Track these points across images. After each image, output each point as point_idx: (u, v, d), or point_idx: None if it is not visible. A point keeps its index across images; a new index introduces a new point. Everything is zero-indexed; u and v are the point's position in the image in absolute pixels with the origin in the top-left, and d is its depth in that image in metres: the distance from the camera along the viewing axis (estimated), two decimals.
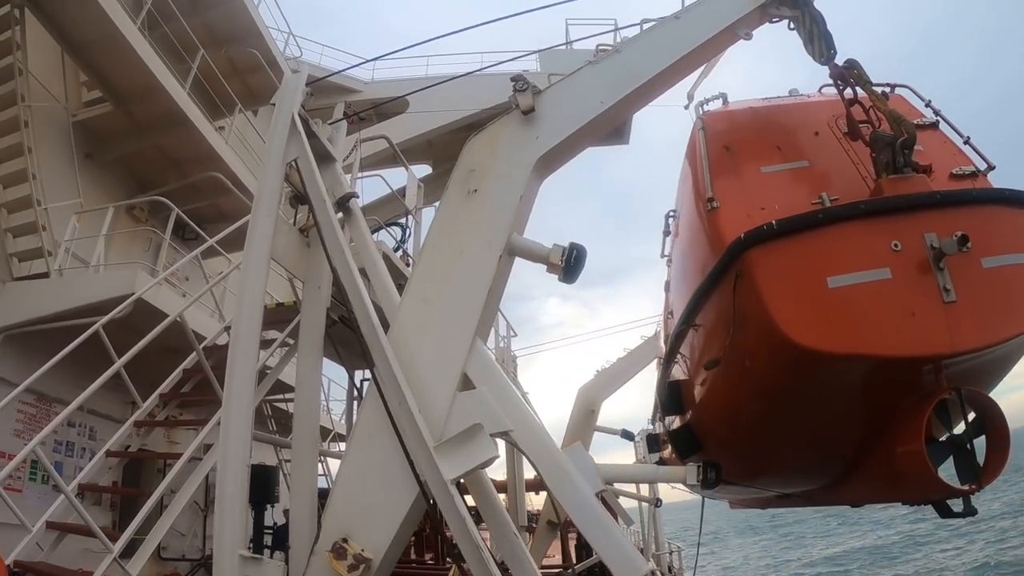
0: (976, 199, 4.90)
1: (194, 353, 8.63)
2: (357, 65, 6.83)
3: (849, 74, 5.52)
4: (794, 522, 79.91)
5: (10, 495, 6.72)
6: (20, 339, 10.35)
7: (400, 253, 7.22)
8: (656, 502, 15.89)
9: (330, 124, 5.91)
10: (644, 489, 17.62)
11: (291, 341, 8.81)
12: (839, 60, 5.55)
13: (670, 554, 17.70)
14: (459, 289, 4.62)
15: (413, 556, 23.34)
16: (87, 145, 12.99)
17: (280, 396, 11.71)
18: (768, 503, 9.30)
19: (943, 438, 4.72)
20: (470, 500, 4.50)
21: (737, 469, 6.34)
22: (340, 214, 5.21)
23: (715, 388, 6.05)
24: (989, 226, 4.66)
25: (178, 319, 8.28)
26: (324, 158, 5.56)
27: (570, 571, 14.14)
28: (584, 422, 14.62)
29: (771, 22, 5.69)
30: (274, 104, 5.59)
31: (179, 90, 12.33)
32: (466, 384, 4.49)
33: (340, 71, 6.75)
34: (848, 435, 5.04)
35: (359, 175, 8.18)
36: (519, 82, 4.94)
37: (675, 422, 7.26)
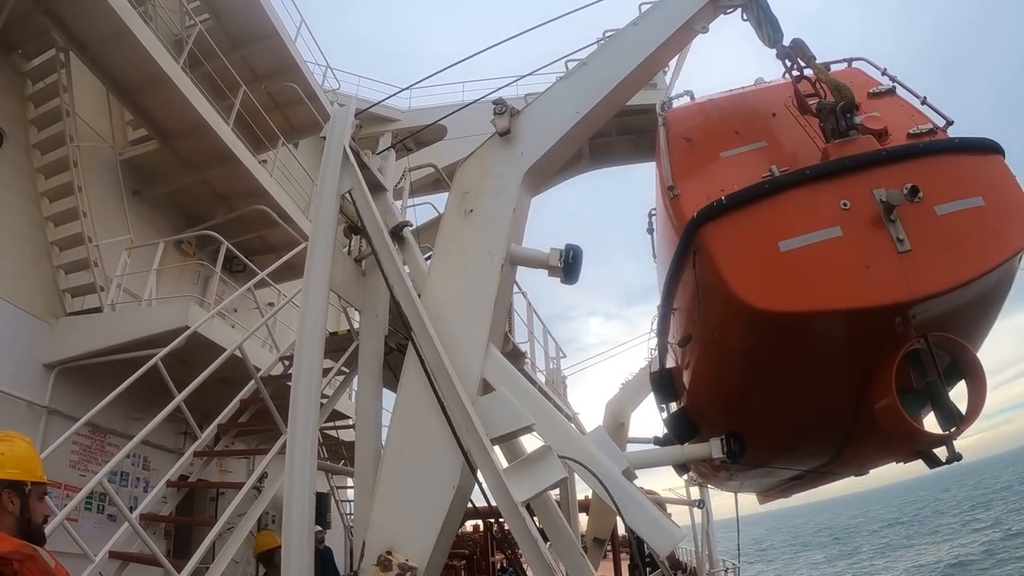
0: (924, 151, 5.02)
1: (251, 384, 8.74)
2: (395, 94, 6.94)
3: (795, 53, 5.76)
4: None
5: (69, 525, 6.85)
6: (74, 373, 10.58)
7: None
8: (698, 503, 15.70)
9: (379, 154, 5.98)
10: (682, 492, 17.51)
11: (346, 370, 8.92)
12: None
13: (725, 572, 17.46)
14: (468, 302, 4.78)
15: None
16: (135, 182, 13.28)
17: (331, 424, 11.80)
18: (788, 488, 9.30)
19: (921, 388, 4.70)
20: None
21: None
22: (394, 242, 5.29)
23: (697, 367, 6.23)
24: (939, 175, 4.78)
25: (238, 353, 8.39)
26: (376, 188, 5.66)
27: None
28: (616, 435, 14.53)
29: (725, 13, 5.92)
30: (323, 137, 5.69)
31: (223, 126, 12.59)
32: (486, 388, 4.63)
33: (380, 101, 6.88)
34: (834, 398, 5.01)
35: (409, 202, 8.27)
36: (498, 106, 5.16)
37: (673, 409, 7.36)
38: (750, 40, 6.05)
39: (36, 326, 10.60)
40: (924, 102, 5.84)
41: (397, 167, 6.24)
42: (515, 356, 10.85)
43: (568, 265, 4.93)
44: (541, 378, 13.75)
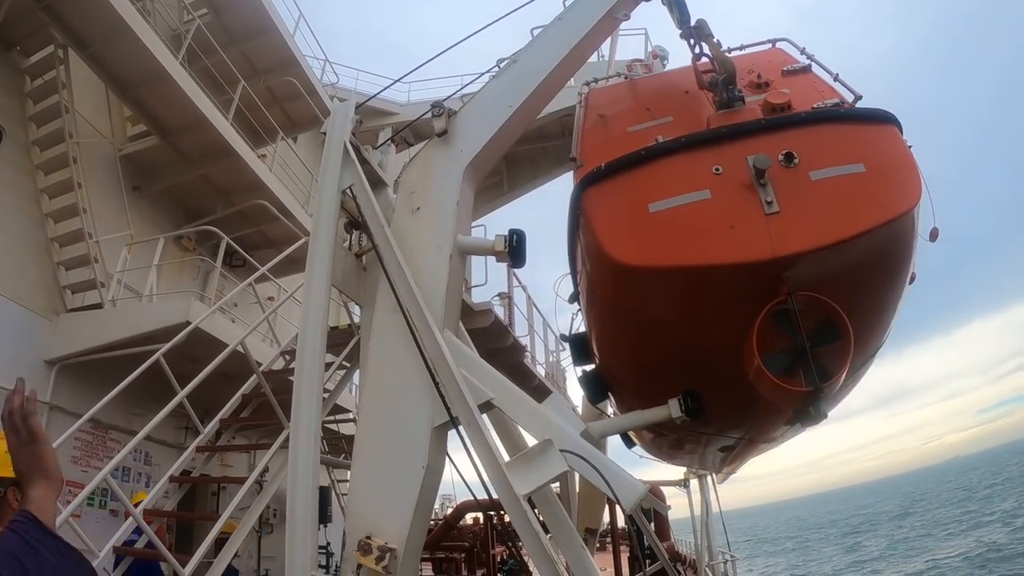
0: (806, 120, 5.16)
1: (252, 378, 8.77)
2: (389, 86, 6.90)
3: (697, 33, 5.90)
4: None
5: (72, 521, 6.88)
6: (75, 369, 10.63)
7: None
8: (682, 483, 15.71)
9: (378, 148, 6.00)
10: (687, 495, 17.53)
11: (347, 364, 8.95)
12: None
13: (724, 563, 17.51)
14: (421, 292, 4.88)
15: (464, 572, 23.47)
16: (134, 178, 13.31)
17: (332, 418, 11.84)
18: (730, 461, 9.59)
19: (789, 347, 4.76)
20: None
21: (629, 406, 6.50)
22: None
23: (595, 327, 6.40)
24: (819, 143, 4.90)
25: (240, 348, 8.42)
26: (376, 183, 5.68)
27: None
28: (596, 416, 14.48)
29: (645, 0, 6.17)
30: (323, 133, 5.70)
31: (223, 121, 12.61)
32: None
33: (376, 94, 6.86)
34: (719, 357, 5.04)
35: None
36: (436, 108, 5.38)
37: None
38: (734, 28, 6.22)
39: (37, 323, 10.63)
40: (836, 79, 6.06)
41: (397, 161, 6.27)
42: (515, 350, 10.88)
43: (513, 249, 5.15)
44: (541, 371, 13.78)
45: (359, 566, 4.35)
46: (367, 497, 4.63)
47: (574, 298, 7.08)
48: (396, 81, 7.29)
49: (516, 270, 11.60)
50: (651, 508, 15.68)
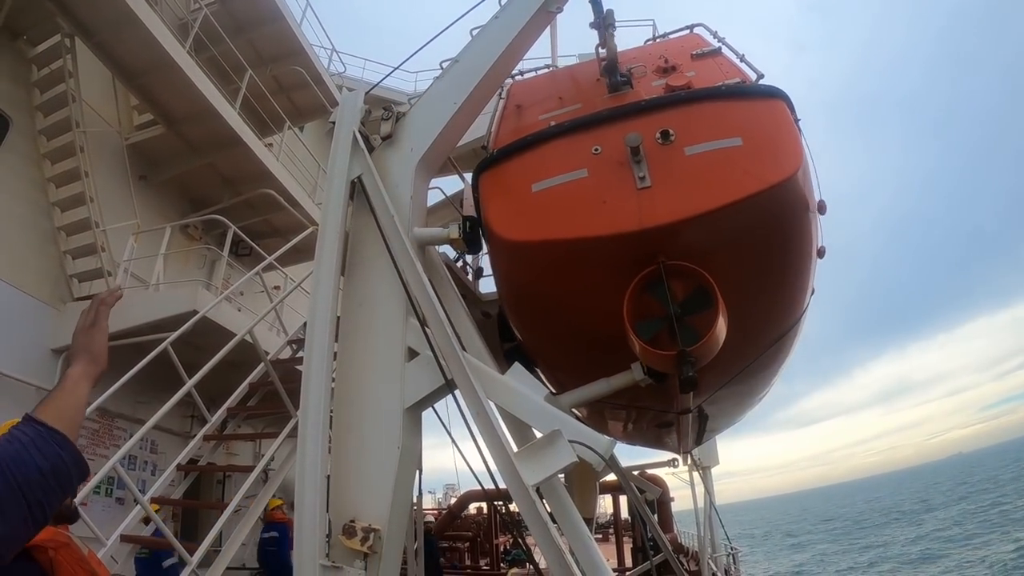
0: (686, 99, 5.31)
1: (260, 367, 8.80)
2: (391, 72, 6.90)
3: (602, 23, 6.07)
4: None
5: (80, 509, 6.92)
6: None
7: (460, 263, 7.34)
8: (672, 462, 15.70)
9: (384, 139, 6.01)
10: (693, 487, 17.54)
11: None
12: None
13: (727, 556, 17.55)
14: (382, 284, 5.07)
15: (468, 561, 23.64)
16: (141, 167, 13.35)
17: None
18: (659, 435, 9.61)
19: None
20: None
21: (558, 380, 6.61)
22: None
23: (504, 305, 6.58)
24: (697, 120, 5.05)
25: (247, 337, 8.45)
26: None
27: None
28: None
29: None
30: (332, 123, 5.71)
31: (230, 110, 12.61)
32: (411, 355, 4.90)
33: (377, 83, 6.87)
34: (611, 332, 5.01)
35: None
36: (386, 112, 5.60)
37: None
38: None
39: (43, 311, 10.68)
40: (742, 59, 6.24)
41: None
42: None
43: (467, 235, 5.31)
44: None
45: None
46: (347, 482, 4.69)
47: (479, 273, 7.63)
48: (396, 68, 7.30)
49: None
50: (654, 500, 15.74)
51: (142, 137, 13.20)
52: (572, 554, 4.34)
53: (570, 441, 4.21)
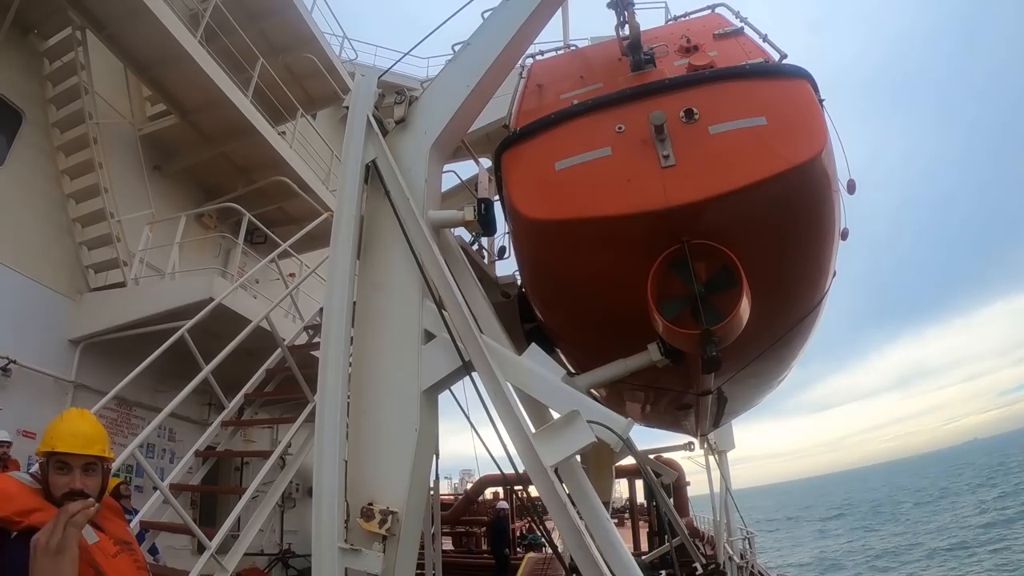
0: (710, 78, 5.29)
1: (277, 352, 8.83)
2: (401, 58, 6.89)
3: (621, 2, 6.12)
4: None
5: None
6: (99, 347, 10.75)
7: (476, 246, 7.33)
8: (688, 446, 15.69)
9: (398, 123, 6.00)
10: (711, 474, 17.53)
11: None
12: None
13: (743, 540, 17.54)
14: (398, 267, 5.08)
15: (485, 546, 23.74)
16: (155, 157, 13.40)
17: None
18: (677, 416, 9.57)
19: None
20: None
21: (579, 360, 6.65)
22: None
23: (526, 284, 6.61)
24: (722, 99, 5.03)
25: (266, 322, 8.47)
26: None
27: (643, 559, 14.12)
28: None
29: None
30: (346, 107, 5.71)
31: (243, 99, 12.61)
32: (428, 337, 4.91)
33: (388, 68, 6.84)
34: (634, 310, 5.02)
35: None
36: (398, 96, 5.56)
37: None
38: None
39: (61, 303, 10.76)
40: (765, 39, 6.18)
41: None
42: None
43: (483, 217, 5.31)
44: None
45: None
46: (365, 466, 4.72)
47: (501, 253, 7.55)
48: (408, 52, 7.27)
49: None
50: (670, 484, 15.73)
51: (155, 128, 13.23)
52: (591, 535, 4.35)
53: (588, 421, 4.22)
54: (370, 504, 4.50)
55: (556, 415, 4.55)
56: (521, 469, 4.33)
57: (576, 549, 4.08)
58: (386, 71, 6.43)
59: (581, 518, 4.40)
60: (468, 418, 5.07)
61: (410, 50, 7.33)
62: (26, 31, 11.14)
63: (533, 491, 4.66)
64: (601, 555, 4.20)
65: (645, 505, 21.16)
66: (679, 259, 4.68)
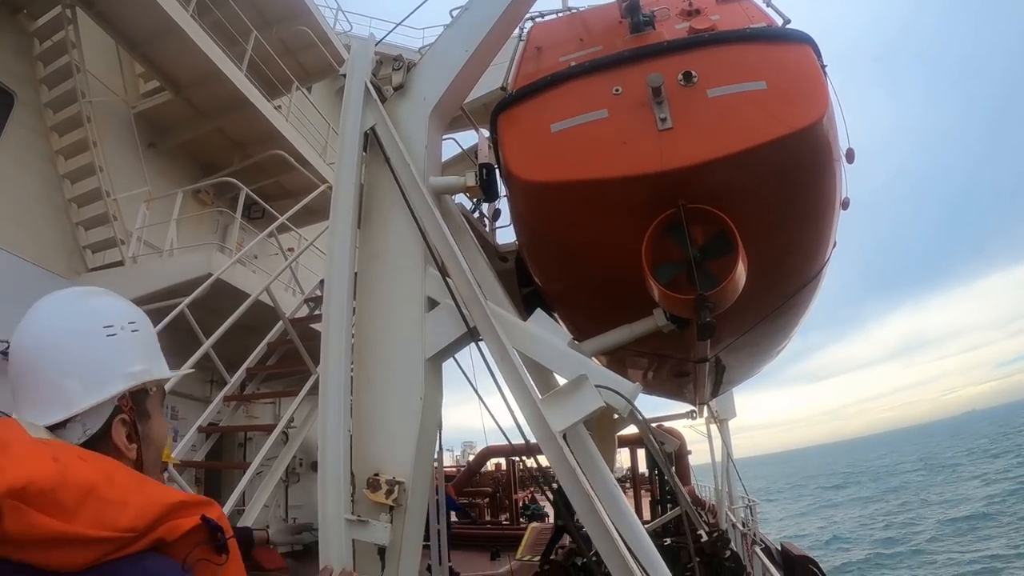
0: (710, 41, 5.24)
1: (278, 325, 8.80)
2: (395, 28, 6.83)
3: None
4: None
5: None
6: None
7: (476, 214, 7.28)
8: (691, 414, 15.73)
9: (396, 89, 5.93)
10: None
11: None
12: None
13: (745, 508, 17.61)
14: (399, 235, 5.03)
15: (488, 517, 23.91)
16: (149, 135, 13.28)
17: None
18: (677, 385, 9.68)
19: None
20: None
21: (577, 325, 6.58)
22: None
23: (523, 248, 6.57)
24: (721, 62, 4.99)
25: (266, 296, 8.42)
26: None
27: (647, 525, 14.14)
28: None
29: None
30: (343, 75, 5.62)
31: (237, 73, 12.48)
32: (431, 305, 4.86)
33: (387, 35, 6.72)
34: (629, 275, 4.99)
35: None
36: (396, 62, 5.48)
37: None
38: None
39: (59, 284, 10.63)
40: (768, 4, 6.14)
41: None
42: None
43: (484, 182, 5.23)
44: None
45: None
46: (370, 436, 4.69)
47: (496, 216, 7.66)
48: (405, 19, 7.18)
49: None
50: (672, 453, 15.77)
51: (149, 104, 13.10)
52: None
53: (596, 386, 4.18)
54: (376, 475, 4.45)
55: (561, 382, 4.52)
56: (530, 437, 4.32)
57: (586, 515, 4.05)
58: (383, 38, 6.33)
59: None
60: (474, 387, 5.06)
61: (405, 18, 7.24)
62: (15, 11, 10.99)
63: (532, 462, 4.65)
64: (612, 522, 4.18)
65: (647, 474, 21.22)
66: (675, 223, 4.65)
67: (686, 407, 14.87)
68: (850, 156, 5.42)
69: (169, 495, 1.44)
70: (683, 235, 4.57)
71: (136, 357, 1.72)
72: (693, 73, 4.83)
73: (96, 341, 1.64)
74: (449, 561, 13.91)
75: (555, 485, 5.00)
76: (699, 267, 4.54)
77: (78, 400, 1.57)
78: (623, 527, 4.29)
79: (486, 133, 7.41)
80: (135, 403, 1.72)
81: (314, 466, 13.11)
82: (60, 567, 1.24)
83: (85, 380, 1.58)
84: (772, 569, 7.34)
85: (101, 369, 1.63)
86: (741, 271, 4.49)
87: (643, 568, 3.95)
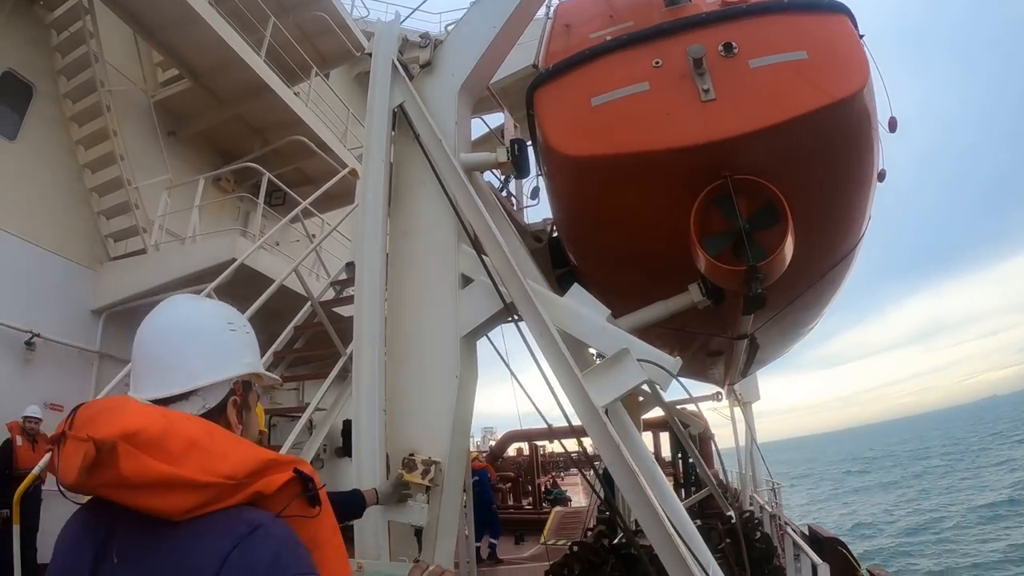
0: (749, 12, 5.19)
1: (305, 308, 8.78)
2: (420, 4, 6.78)
3: None
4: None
5: None
6: (122, 315, 10.75)
7: (504, 192, 7.21)
8: (716, 396, 15.66)
9: (423, 67, 5.87)
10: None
11: None
12: None
13: (769, 490, 17.50)
14: (431, 212, 4.95)
15: (511, 502, 23.94)
16: (169, 123, 13.30)
17: None
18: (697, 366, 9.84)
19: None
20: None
21: (612, 305, 6.52)
22: None
23: (561, 227, 6.63)
24: (761, 33, 4.96)
25: (292, 279, 8.39)
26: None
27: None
28: None
29: None
30: (369, 54, 5.55)
31: (256, 59, 12.45)
32: (465, 282, 4.82)
33: (409, 15, 6.71)
34: (673, 250, 5.02)
35: None
36: (423, 39, 5.40)
37: None
38: None
39: (82, 273, 10.75)
40: None
41: None
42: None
43: (516, 159, 5.16)
44: None
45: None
46: (405, 416, 4.65)
47: (535, 194, 7.60)
48: (416, 8, 7.09)
49: None
50: (696, 436, 15.71)
51: (168, 93, 13.09)
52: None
53: (638, 360, 4.11)
54: (411, 455, 4.39)
55: (597, 359, 4.45)
56: (549, 424, 4.32)
57: (630, 491, 3.98)
58: (407, 16, 6.28)
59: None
60: (508, 367, 5.06)
61: (424, 1, 7.18)
62: (32, 2, 11.00)
63: (549, 448, 4.59)
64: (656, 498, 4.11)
65: (670, 458, 21.16)
66: (722, 195, 4.58)
67: (708, 389, 14.78)
68: (892, 125, 5.37)
69: (264, 452, 1.55)
70: (731, 206, 4.53)
71: (248, 352, 1.91)
72: (734, 44, 4.79)
73: (220, 333, 1.84)
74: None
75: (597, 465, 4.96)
76: (749, 238, 4.49)
77: (201, 375, 1.73)
78: (666, 506, 4.23)
79: (499, 119, 7.36)
80: (244, 392, 1.90)
81: (338, 452, 13.10)
82: (166, 511, 1.33)
83: (209, 360, 1.76)
84: (807, 548, 7.22)
85: (223, 354, 1.82)
86: (790, 242, 4.45)
87: (688, 546, 3.88)
